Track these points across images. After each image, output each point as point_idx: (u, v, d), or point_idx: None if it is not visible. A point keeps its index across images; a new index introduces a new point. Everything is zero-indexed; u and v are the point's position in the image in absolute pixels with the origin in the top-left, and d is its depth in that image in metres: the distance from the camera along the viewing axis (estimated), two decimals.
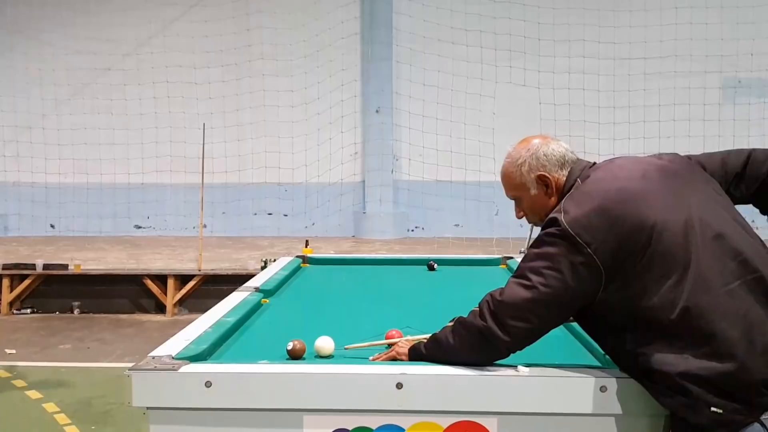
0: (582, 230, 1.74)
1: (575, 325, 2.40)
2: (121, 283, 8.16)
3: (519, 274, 1.84)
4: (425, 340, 1.99)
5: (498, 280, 3.70)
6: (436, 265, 4.00)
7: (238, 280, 4.32)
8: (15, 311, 8.03)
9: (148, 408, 1.85)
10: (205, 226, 9.12)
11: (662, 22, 11.38)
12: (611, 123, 11.48)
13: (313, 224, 12.25)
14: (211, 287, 7.86)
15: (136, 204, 12.39)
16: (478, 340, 1.83)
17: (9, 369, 5.71)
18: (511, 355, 1.87)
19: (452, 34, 11.55)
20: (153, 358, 1.95)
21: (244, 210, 12.29)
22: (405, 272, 4.00)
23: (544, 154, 1.98)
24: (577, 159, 2.00)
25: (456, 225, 11.88)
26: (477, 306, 1.89)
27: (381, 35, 12.00)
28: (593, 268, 1.73)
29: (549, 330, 1.85)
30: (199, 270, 8.08)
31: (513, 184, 2.03)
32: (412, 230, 12.40)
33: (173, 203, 12.31)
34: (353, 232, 12.32)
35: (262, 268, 6.72)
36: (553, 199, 1.97)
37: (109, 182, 12.30)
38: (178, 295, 8.01)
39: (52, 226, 12.52)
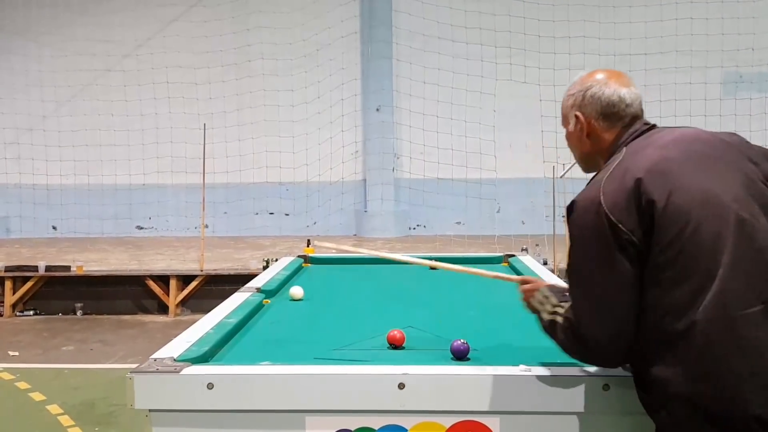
0: (617, 212, 1.59)
1: None
2: (124, 284, 8.17)
3: (574, 281, 1.72)
4: (546, 300, 1.83)
5: None
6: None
7: (240, 280, 4.33)
8: (18, 313, 8.04)
9: (150, 410, 1.85)
10: (206, 226, 9.13)
11: (662, 18, 11.37)
12: None
13: (315, 223, 12.26)
14: (214, 287, 7.87)
15: (138, 205, 12.40)
16: (579, 357, 1.75)
17: (12, 371, 5.72)
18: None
19: (452, 32, 11.54)
20: (155, 360, 1.95)
21: (246, 210, 12.30)
22: (406, 271, 4.00)
23: (591, 95, 1.80)
24: (635, 116, 1.79)
25: (457, 223, 11.88)
26: (563, 319, 1.73)
27: (380, 33, 12.00)
28: (634, 249, 1.59)
29: (630, 324, 1.64)
30: (201, 270, 8.08)
31: (562, 111, 1.90)
32: (414, 228, 12.41)
33: (175, 204, 12.33)
34: (355, 231, 12.32)
35: (264, 268, 6.72)
36: (587, 144, 1.83)
37: (111, 183, 12.32)
38: (181, 296, 8.01)
39: (53, 227, 12.54)
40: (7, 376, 5.60)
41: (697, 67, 11.49)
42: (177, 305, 8.01)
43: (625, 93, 1.79)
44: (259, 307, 2.85)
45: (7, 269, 8.09)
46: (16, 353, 6.40)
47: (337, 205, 12.30)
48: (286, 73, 12.09)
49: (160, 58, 12.14)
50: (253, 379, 1.85)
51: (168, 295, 8.00)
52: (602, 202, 1.62)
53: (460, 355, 2.03)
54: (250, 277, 3.66)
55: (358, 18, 12.19)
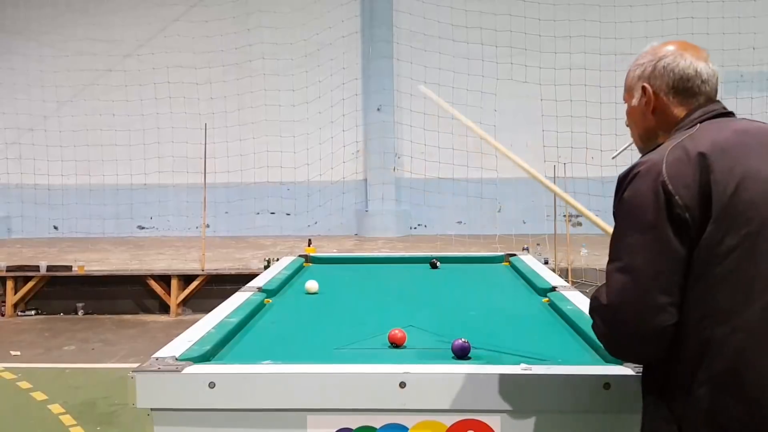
0: (678, 183, 1.43)
1: (579, 323, 2.40)
2: (125, 283, 8.18)
3: (611, 254, 1.51)
4: None
5: (501, 277, 3.70)
6: (438, 263, 4.00)
7: (241, 279, 4.33)
8: (19, 313, 8.05)
9: (152, 409, 1.85)
10: (207, 226, 9.14)
11: (663, 17, 11.35)
12: (613, 119, 11.38)
13: (316, 223, 12.26)
14: (215, 287, 7.88)
15: (139, 205, 12.41)
16: (603, 340, 1.58)
17: (14, 371, 5.73)
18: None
19: (453, 32, 11.54)
20: (156, 359, 1.95)
21: (247, 210, 12.31)
22: (408, 270, 4.00)
23: (664, 66, 1.63)
24: (709, 97, 1.62)
25: (458, 222, 11.89)
26: (593, 297, 1.58)
27: (381, 33, 12.00)
28: (686, 230, 1.42)
29: (667, 312, 1.44)
30: (203, 270, 8.09)
31: (625, 83, 1.73)
32: (415, 228, 12.41)
33: (176, 204, 12.33)
34: (356, 231, 12.32)
35: (266, 267, 6.73)
36: (651, 121, 1.64)
37: (112, 183, 12.33)
38: (182, 296, 8.02)
39: (55, 227, 12.54)
40: (8, 375, 5.61)
41: None
42: (178, 305, 8.02)
43: (702, 68, 1.63)
44: (261, 306, 2.86)
45: (9, 269, 8.10)
46: (18, 353, 6.40)
47: (338, 205, 12.30)
48: (287, 72, 12.10)
49: (161, 57, 12.14)
50: (255, 378, 1.86)
51: (169, 294, 8.01)
52: (663, 169, 1.45)
53: (462, 354, 2.03)
54: (251, 276, 3.66)
55: (358, 18, 12.19)
